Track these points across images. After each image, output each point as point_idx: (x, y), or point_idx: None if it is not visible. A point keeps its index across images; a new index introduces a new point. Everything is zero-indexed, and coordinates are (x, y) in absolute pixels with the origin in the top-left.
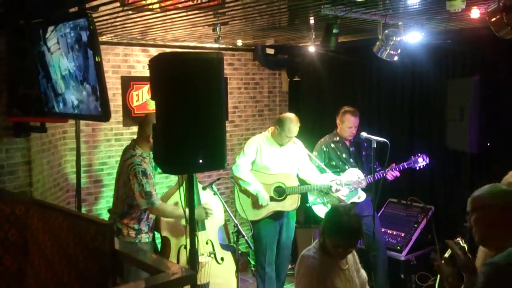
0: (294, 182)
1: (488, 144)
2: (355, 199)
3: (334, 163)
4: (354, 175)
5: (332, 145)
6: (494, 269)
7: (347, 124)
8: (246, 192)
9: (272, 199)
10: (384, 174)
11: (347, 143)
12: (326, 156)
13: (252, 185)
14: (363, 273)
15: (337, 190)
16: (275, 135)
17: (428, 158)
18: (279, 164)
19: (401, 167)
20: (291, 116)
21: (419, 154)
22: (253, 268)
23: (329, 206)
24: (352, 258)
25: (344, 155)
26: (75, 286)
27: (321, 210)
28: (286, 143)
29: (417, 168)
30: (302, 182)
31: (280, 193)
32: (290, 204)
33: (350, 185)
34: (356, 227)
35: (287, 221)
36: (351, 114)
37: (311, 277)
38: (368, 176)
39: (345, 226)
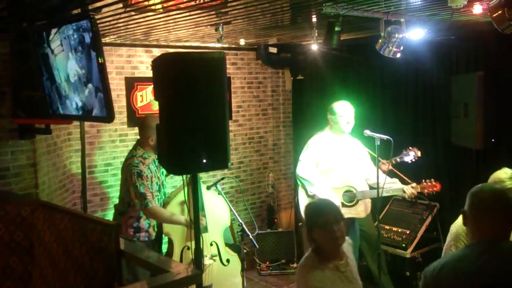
0: (364, 185)
1: (493, 140)
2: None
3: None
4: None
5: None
6: None
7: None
8: (313, 198)
9: (342, 205)
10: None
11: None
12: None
13: (318, 187)
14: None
15: (412, 194)
16: (332, 129)
17: (419, 152)
18: (343, 161)
19: (393, 161)
20: (336, 102)
21: (410, 148)
22: (258, 267)
23: None
24: (352, 262)
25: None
26: (81, 286)
27: None
28: (344, 128)
29: (409, 161)
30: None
31: (351, 198)
32: (364, 210)
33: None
34: (328, 203)
35: (353, 230)
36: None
37: (302, 274)
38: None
39: (322, 203)
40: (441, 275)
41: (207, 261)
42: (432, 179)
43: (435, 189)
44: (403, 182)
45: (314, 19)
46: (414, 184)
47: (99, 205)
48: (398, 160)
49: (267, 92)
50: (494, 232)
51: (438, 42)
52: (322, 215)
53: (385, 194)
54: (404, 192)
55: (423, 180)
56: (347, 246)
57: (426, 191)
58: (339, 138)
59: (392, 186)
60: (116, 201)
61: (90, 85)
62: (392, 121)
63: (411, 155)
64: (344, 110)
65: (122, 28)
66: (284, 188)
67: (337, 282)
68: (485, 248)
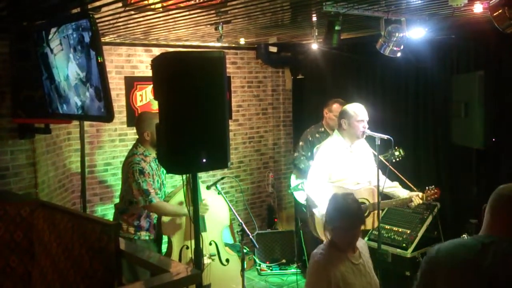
0: (375, 196)
1: (494, 139)
2: None
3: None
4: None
5: (317, 135)
6: None
7: (335, 113)
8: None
9: None
10: None
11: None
12: (311, 146)
13: (321, 208)
14: (375, 277)
15: (418, 204)
16: (344, 134)
17: (403, 151)
18: (356, 172)
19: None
20: (350, 104)
21: (396, 147)
22: (258, 267)
23: None
24: (367, 257)
25: None
26: (81, 286)
27: (302, 196)
28: (360, 134)
29: (393, 160)
30: None
31: (363, 209)
32: (372, 222)
33: None
34: (354, 206)
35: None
36: (339, 104)
37: (317, 270)
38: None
39: (344, 207)
40: (440, 259)
41: (205, 260)
42: (433, 186)
43: (436, 196)
44: (404, 186)
45: (314, 18)
46: (420, 194)
47: (99, 205)
48: (382, 158)
49: (267, 91)
50: (507, 229)
51: (439, 41)
52: (339, 220)
53: (393, 204)
54: (411, 201)
55: (426, 188)
56: (362, 245)
57: (429, 198)
58: (353, 146)
59: (395, 190)
60: (116, 200)
61: (89, 85)
62: (392, 120)
63: (395, 155)
64: (363, 114)
65: (121, 27)
66: (284, 187)
67: (349, 273)
68: (492, 241)
